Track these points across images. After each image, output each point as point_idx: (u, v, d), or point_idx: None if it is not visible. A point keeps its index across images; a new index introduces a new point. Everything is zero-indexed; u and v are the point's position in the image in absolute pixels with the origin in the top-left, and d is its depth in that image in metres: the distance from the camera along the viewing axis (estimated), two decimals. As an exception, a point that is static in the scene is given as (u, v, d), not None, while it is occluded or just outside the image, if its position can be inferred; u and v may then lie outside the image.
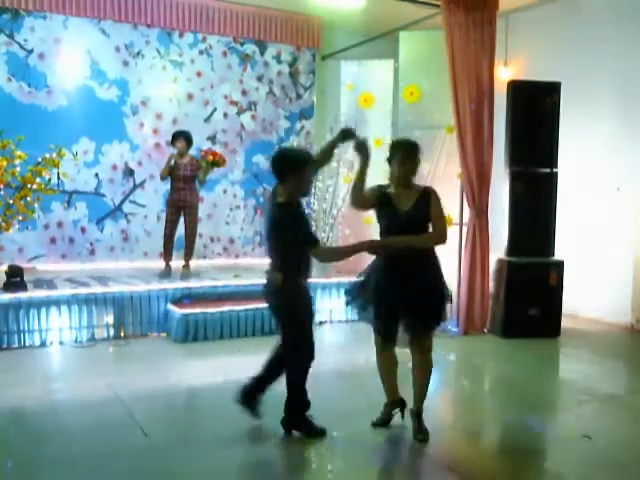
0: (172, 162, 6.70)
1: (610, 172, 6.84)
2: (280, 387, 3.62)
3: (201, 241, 8.22)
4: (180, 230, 6.94)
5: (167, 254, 6.91)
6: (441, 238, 3.58)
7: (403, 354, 3.71)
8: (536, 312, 6.11)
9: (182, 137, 6.81)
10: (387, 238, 3.59)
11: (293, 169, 3.44)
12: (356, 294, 3.72)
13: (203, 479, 3.18)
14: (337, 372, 5.03)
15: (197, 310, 5.85)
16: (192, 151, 7.01)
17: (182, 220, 6.87)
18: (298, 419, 3.61)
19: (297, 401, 3.59)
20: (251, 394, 3.74)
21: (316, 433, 3.59)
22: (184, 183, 6.73)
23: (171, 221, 6.82)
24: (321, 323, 6.65)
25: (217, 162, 6.78)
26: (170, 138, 6.98)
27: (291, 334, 3.59)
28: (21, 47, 7.25)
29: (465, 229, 6.40)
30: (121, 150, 7.82)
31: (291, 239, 3.43)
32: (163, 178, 6.84)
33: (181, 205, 6.78)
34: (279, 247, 3.53)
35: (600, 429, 3.85)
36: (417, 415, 3.63)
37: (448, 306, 3.68)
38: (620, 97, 6.76)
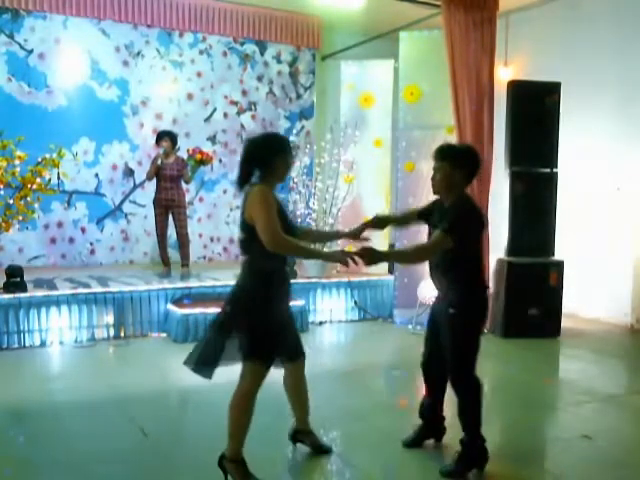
0: (159, 162, 6.72)
1: (610, 172, 6.84)
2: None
3: (201, 241, 8.23)
4: (173, 231, 6.96)
5: (163, 253, 6.96)
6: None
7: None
8: (536, 312, 6.11)
9: (167, 137, 6.84)
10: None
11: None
12: None
13: (203, 479, 3.18)
14: (337, 372, 5.03)
15: (197, 310, 5.84)
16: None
17: (172, 221, 6.89)
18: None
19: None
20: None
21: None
22: (171, 182, 6.75)
23: (161, 221, 6.86)
24: (321, 323, 6.65)
25: (205, 161, 6.85)
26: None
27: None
28: (21, 47, 7.25)
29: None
30: (121, 150, 7.83)
31: None
32: (150, 178, 6.87)
33: (168, 205, 6.80)
34: None
35: (600, 429, 3.84)
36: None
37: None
38: (620, 97, 6.75)
